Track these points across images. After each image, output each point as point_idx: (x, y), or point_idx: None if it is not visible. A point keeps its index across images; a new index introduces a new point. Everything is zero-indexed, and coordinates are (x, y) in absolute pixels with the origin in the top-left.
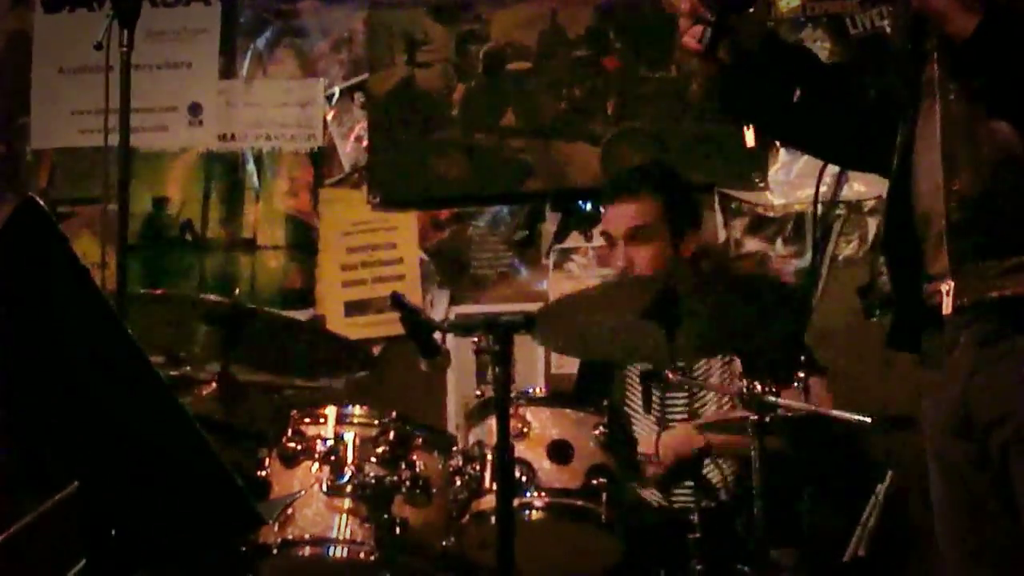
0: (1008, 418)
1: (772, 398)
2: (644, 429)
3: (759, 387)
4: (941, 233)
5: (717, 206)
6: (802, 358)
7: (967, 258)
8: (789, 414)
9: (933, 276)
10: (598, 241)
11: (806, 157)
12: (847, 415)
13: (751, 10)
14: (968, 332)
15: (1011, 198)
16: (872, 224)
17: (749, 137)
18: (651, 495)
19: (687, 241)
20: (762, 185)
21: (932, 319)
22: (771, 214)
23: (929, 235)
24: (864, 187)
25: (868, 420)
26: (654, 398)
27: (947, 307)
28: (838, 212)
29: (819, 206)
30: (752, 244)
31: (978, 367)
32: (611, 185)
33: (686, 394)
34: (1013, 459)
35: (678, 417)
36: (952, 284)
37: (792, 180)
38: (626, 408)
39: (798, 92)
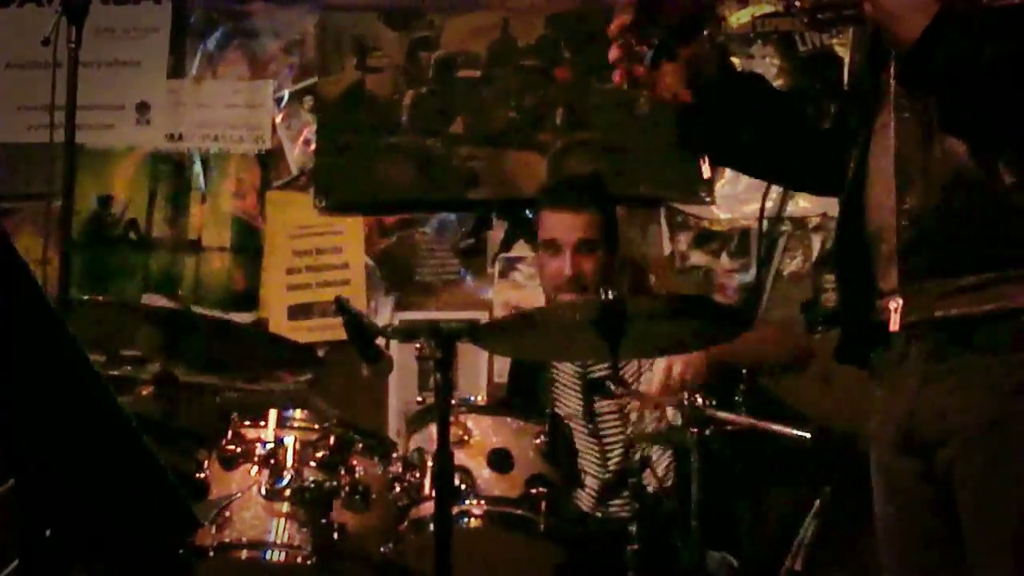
0: (954, 435)
1: (712, 411)
2: (581, 438)
3: (700, 400)
4: (892, 250)
5: (663, 219)
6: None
7: (917, 276)
8: (729, 428)
9: (883, 292)
10: None
11: None
12: (787, 430)
13: (706, 32)
14: (916, 349)
15: (962, 218)
16: (816, 240)
17: (705, 169)
18: (589, 505)
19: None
20: (708, 199)
21: (880, 335)
22: (717, 228)
23: (880, 251)
24: (809, 204)
25: (807, 436)
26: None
27: (895, 324)
28: (783, 228)
29: (764, 221)
30: (697, 258)
31: (925, 384)
32: (554, 193)
33: (615, 401)
34: (957, 476)
35: (611, 425)
36: (901, 301)
37: (738, 195)
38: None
39: (747, 132)
